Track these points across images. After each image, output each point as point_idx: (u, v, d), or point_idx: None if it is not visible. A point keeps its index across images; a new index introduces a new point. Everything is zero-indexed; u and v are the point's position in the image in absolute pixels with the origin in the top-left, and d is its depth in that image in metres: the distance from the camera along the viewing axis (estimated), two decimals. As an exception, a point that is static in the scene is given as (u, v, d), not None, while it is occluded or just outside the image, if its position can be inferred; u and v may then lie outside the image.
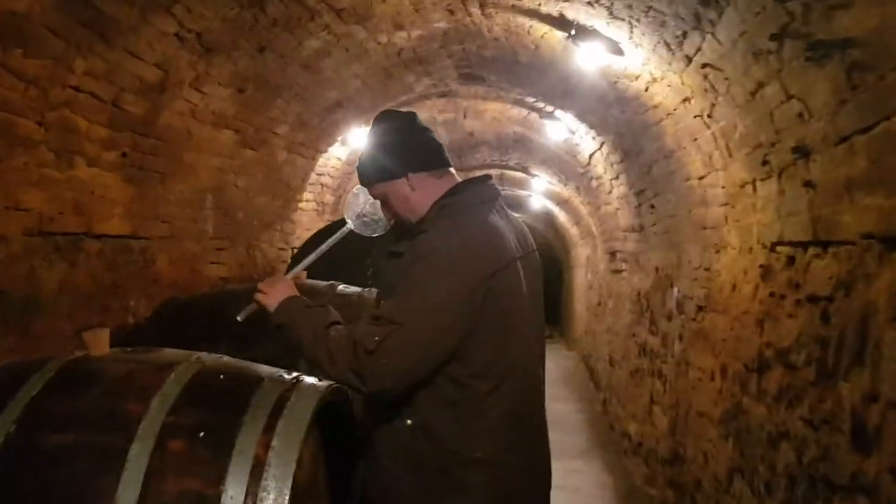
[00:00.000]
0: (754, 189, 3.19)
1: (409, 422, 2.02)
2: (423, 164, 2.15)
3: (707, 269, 4.09)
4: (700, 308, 4.23)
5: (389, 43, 4.78)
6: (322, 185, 7.14)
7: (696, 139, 3.89)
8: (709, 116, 3.51)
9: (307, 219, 6.79)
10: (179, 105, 3.99)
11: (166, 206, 4.21)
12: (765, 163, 2.96)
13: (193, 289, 4.39)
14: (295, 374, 2.13)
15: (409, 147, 2.16)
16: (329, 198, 7.39)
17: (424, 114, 7.48)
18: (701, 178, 4.05)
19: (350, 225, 2.41)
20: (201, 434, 1.84)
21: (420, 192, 2.13)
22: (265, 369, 2.16)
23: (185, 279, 4.39)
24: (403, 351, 1.91)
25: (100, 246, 3.64)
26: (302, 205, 6.63)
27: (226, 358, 2.21)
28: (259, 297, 2.18)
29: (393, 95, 6.05)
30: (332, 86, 5.19)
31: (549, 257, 19.25)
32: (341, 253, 2.56)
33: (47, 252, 3.27)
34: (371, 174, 2.19)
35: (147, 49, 3.45)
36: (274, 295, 2.14)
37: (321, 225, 6.67)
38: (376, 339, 1.90)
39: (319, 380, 2.10)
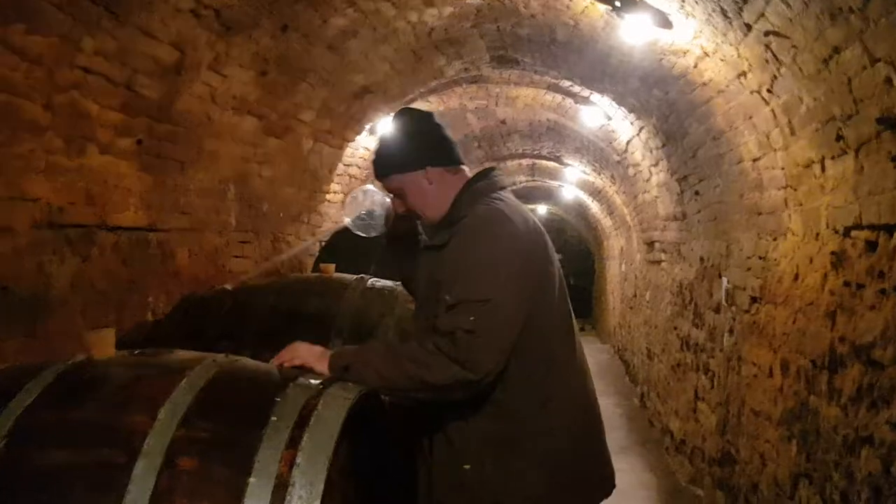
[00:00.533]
0: (823, 168, 2.89)
1: (485, 405, 2.01)
2: (441, 159, 2.21)
3: (762, 258, 3.80)
4: (754, 300, 3.94)
5: (419, 22, 4.52)
6: (350, 176, 6.90)
7: (750, 117, 3.60)
8: (768, 91, 3.22)
9: (335, 211, 6.54)
10: (198, 88, 3.76)
11: (186, 196, 4.00)
12: (839, 138, 2.66)
13: (216, 284, 4.17)
14: (322, 378, 1.89)
15: (428, 141, 2.22)
16: (357, 189, 7.15)
17: (455, 101, 7.23)
18: (755, 160, 3.76)
19: (347, 221, 2.38)
20: (216, 450, 1.61)
21: (436, 187, 2.18)
22: (289, 372, 1.92)
23: (207, 274, 4.17)
24: (500, 325, 1.93)
25: (115, 239, 3.43)
26: (329, 196, 6.39)
27: (245, 360, 1.98)
28: (296, 361, 2.01)
29: (422, 80, 5.78)
30: (359, 69, 4.93)
31: (580, 250, 18.97)
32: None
33: (57, 245, 3.07)
34: (389, 165, 2.23)
35: (161, 27, 3.23)
36: (313, 355, 2.02)
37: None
38: (471, 318, 1.89)
39: (348, 386, 1.86)
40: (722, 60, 3.52)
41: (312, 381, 1.83)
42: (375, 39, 4.57)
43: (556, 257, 2.24)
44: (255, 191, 4.81)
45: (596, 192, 11.19)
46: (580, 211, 15.10)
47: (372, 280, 3.49)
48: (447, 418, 2.07)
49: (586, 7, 4.02)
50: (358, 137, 6.31)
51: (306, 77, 4.57)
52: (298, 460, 1.60)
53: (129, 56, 3.20)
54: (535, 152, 9.85)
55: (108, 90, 3.22)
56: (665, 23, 3.59)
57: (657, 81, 4.60)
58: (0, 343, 2.76)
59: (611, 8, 3.71)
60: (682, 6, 3.29)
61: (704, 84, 4.00)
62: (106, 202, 3.35)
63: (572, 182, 11.75)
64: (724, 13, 3.05)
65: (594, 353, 12.87)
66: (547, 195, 15.07)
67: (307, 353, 2.02)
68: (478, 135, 8.69)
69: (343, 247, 4.81)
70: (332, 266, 3.74)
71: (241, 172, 4.58)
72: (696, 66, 3.91)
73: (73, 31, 2.80)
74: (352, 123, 5.87)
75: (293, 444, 1.62)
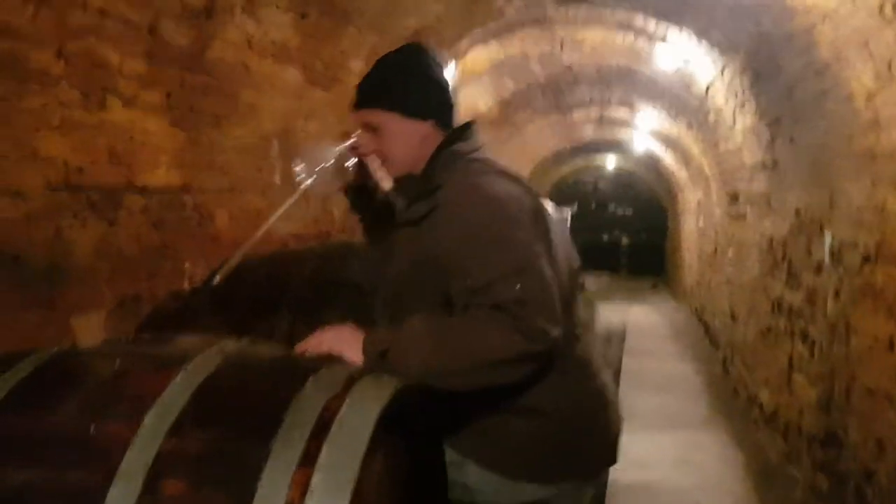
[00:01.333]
0: (971, 97, 2.36)
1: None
2: (445, 120, 1.90)
3: (880, 210, 3.26)
4: (867, 259, 3.40)
5: (475, -48, 4.05)
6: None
7: (866, 44, 3.05)
8: (894, 9, 2.67)
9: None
10: (232, 34, 3.41)
11: (224, 153, 3.67)
12: None
13: (260, 249, 3.86)
14: (350, 369, 1.52)
15: (442, 95, 1.91)
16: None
17: (516, 47, 6.74)
18: (871, 95, 3.20)
19: (300, 172, 2.04)
20: (210, 468, 1.26)
21: (425, 147, 1.88)
22: (312, 364, 1.55)
23: (249, 238, 3.86)
24: (545, 287, 1.66)
25: (144, 201, 3.13)
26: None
27: (260, 347, 1.63)
28: (323, 348, 1.69)
29: (479, 21, 5.29)
30: (410, 11, 4.50)
31: (652, 204, 18.24)
32: None
33: (78, 209, 2.78)
34: (389, 100, 1.86)
35: (184, -37, 2.88)
36: (344, 339, 1.70)
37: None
38: (517, 286, 1.62)
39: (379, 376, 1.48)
40: (833, -23, 2.98)
41: (337, 375, 1.46)
42: (427, -26, 4.14)
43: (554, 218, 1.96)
44: (300, 148, 4.46)
45: (670, 142, 10.52)
46: (651, 163, 14.38)
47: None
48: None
49: (668, -77, 3.50)
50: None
51: (351, 20, 4.16)
52: (314, 483, 1.23)
53: (151, -4, 2.87)
54: (605, 100, 9.23)
55: (130, 36, 2.90)
56: (763, -65, 3.06)
57: (748, 11, 4.04)
58: (15, 317, 2.50)
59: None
60: (788, -90, 2.76)
61: (806, 10, 3.44)
62: (132, 161, 3.05)
63: (644, 132, 11.09)
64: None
65: (668, 313, 12.32)
66: (615, 146, 14.38)
67: (336, 338, 1.66)
68: (542, 83, 8.14)
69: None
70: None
71: (284, 127, 4.23)
72: (798, -12, 3.36)
73: (81, -34, 2.48)
74: (405, 73, 5.45)
75: (308, 460, 1.26)
